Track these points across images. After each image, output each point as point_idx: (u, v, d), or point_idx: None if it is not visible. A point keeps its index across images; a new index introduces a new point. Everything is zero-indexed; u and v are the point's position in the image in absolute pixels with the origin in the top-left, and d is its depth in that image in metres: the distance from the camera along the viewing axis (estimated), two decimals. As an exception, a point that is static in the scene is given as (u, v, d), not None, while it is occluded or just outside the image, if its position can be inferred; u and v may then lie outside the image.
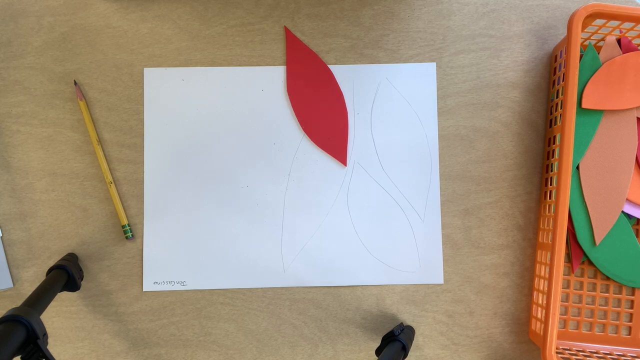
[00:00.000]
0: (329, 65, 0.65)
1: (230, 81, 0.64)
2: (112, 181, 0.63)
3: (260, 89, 0.65)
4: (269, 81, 0.65)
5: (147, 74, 0.65)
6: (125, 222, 0.63)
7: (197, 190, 0.64)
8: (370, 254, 0.64)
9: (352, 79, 0.65)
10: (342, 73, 0.65)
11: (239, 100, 0.64)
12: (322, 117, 0.65)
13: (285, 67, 0.65)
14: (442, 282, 0.64)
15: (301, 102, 0.65)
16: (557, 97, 0.63)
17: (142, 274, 0.63)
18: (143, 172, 0.64)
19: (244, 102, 0.64)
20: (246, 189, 0.64)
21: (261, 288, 0.64)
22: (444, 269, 0.64)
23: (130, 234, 0.63)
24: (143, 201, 0.64)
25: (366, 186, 0.65)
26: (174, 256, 0.64)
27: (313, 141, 0.65)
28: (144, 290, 0.63)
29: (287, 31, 0.65)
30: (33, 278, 0.64)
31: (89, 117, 0.64)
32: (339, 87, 0.65)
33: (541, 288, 0.61)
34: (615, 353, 0.63)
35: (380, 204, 0.65)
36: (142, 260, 0.64)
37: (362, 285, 0.64)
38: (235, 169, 0.64)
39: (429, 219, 0.64)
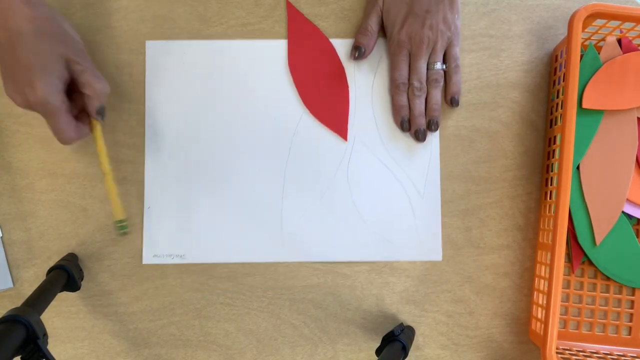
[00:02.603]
0: (330, 39, 0.65)
1: (231, 59, 0.64)
2: (109, 172, 0.60)
3: (262, 63, 0.65)
4: (270, 55, 0.65)
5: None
6: (118, 217, 0.60)
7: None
8: (370, 229, 0.64)
9: None
10: (344, 47, 0.65)
11: (241, 80, 0.64)
12: (323, 92, 0.65)
13: (286, 40, 0.65)
14: (440, 258, 0.64)
15: (302, 76, 0.65)
16: (557, 97, 0.63)
17: (142, 273, 0.63)
18: (143, 172, 0.64)
19: (244, 78, 0.64)
20: (247, 163, 0.64)
21: (261, 288, 0.64)
22: (443, 269, 0.64)
23: (125, 229, 0.61)
24: (143, 201, 0.64)
25: (366, 161, 0.65)
26: (173, 232, 0.63)
27: (314, 116, 0.65)
28: (143, 262, 0.63)
29: (289, 5, 0.65)
30: (33, 278, 0.63)
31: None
32: (341, 62, 0.65)
33: (541, 288, 0.61)
34: (615, 353, 0.63)
35: (380, 179, 0.64)
36: (141, 260, 0.64)
37: (362, 285, 0.64)
38: (235, 147, 0.64)
39: (428, 195, 0.64)
